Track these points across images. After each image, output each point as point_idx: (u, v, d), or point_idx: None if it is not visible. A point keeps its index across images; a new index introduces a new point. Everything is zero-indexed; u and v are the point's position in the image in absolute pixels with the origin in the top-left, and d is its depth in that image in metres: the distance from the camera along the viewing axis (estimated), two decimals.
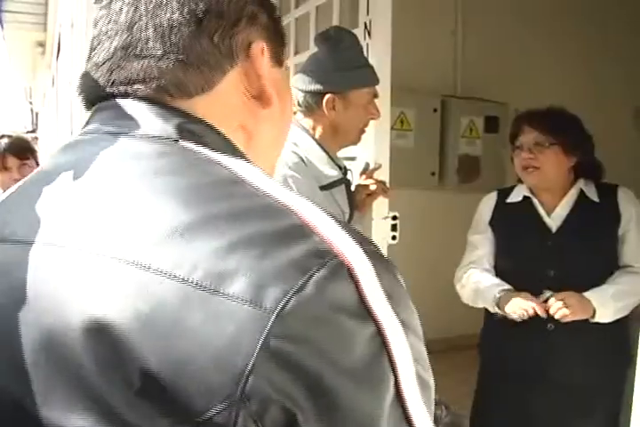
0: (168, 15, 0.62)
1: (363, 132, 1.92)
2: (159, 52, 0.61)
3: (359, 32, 2.13)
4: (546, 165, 1.97)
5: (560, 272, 1.95)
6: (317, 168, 1.79)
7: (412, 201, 4.25)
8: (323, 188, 1.78)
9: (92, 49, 0.66)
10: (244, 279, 0.45)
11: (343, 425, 0.46)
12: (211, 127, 0.62)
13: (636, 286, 1.94)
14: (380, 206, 2.19)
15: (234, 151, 0.63)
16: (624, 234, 1.98)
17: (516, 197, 2.11)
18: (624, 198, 2.00)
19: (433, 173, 4.77)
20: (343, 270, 0.47)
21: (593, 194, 2.02)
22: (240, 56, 0.65)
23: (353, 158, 2.28)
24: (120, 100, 0.62)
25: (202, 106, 0.63)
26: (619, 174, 2.35)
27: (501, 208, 2.14)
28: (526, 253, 2.03)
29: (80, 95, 0.67)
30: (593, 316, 1.88)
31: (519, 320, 1.89)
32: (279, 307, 0.44)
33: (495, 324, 2.04)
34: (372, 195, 2.09)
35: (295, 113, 1.96)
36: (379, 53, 2.13)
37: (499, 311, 1.96)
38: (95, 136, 0.61)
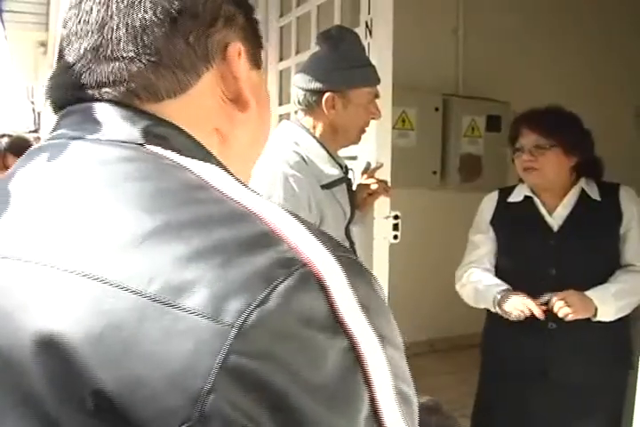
0: (140, 15, 0.59)
1: (363, 131, 1.91)
2: (131, 54, 0.59)
3: (360, 31, 2.13)
4: (546, 167, 1.97)
5: (562, 271, 1.95)
6: (318, 167, 1.79)
7: (414, 200, 4.24)
8: (324, 187, 1.78)
9: (61, 50, 0.63)
10: (204, 291, 0.42)
11: None
12: (180, 130, 0.60)
13: (638, 285, 1.93)
14: (382, 206, 2.19)
15: (205, 155, 0.61)
16: (625, 233, 1.98)
17: (517, 196, 2.11)
18: (626, 197, 2.00)
19: (435, 173, 4.76)
20: (312, 280, 0.44)
21: (594, 193, 2.02)
22: (216, 58, 0.63)
23: (354, 157, 2.28)
24: (88, 104, 0.60)
25: (173, 109, 0.61)
26: (620, 173, 2.34)
27: (503, 207, 2.14)
28: (528, 253, 2.03)
29: (48, 98, 0.64)
30: (594, 315, 1.88)
31: (516, 320, 1.89)
32: (240, 321, 0.41)
33: (496, 323, 2.04)
34: (373, 194, 2.09)
35: (296, 112, 1.96)
36: (380, 52, 2.13)
37: (499, 311, 1.96)
38: (61, 142, 0.59)
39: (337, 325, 0.44)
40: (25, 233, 0.51)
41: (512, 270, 2.06)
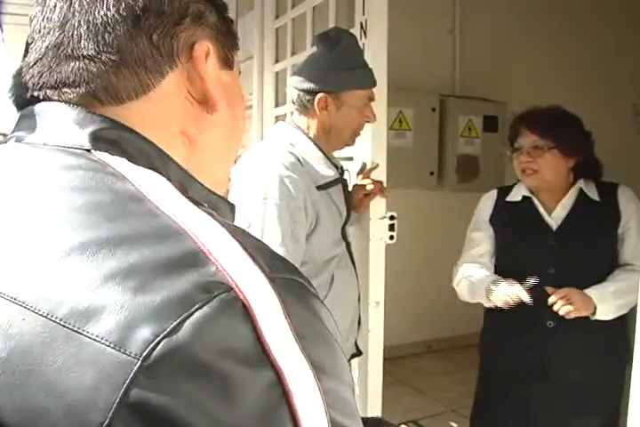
0: (103, 12, 0.57)
1: (357, 134, 1.91)
2: (91, 53, 0.57)
3: (355, 32, 2.13)
4: (545, 169, 1.97)
5: (561, 271, 1.96)
6: (314, 168, 1.79)
7: (411, 201, 4.25)
8: (319, 188, 1.78)
9: (26, 48, 0.62)
10: (112, 318, 0.39)
11: None
12: (135, 133, 0.58)
13: (636, 284, 1.93)
14: (378, 206, 2.19)
15: (163, 159, 0.59)
16: (624, 232, 1.98)
17: (515, 196, 2.11)
18: (624, 197, 2.00)
19: (432, 173, 4.76)
20: (236, 306, 0.41)
21: (593, 193, 2.02)
22: (182, 57, 0.60)
23: (350, 158, 2.28)
24: (43, 106, 0.58)
25: (134, 111, 0.59)
26: (618, 172, 2.34)
27: (501, 206, 2.14)
28: (527, 252, 2.03)
29: (10, 97, 0.62)
30: (594, 313, 1.88)
31: (506, 308, 1.88)
32: (147, 352, 0.38)
33: (495, 323, 2.04)
34: (369, 195, 2.09)
35: (292, 113, 1.96)
36: (375, 53, 2.13)
37: (491, 304, 1.95)
38: (11, 145, 0.57)
39: (262, 356, 0.41)
40: None
41: (511, 270, 2.06)
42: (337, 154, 1.98)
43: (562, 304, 1.83)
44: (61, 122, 0.56)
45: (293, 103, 1.87)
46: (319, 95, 1.80)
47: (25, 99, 0.60)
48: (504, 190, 2.17)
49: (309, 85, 1.81)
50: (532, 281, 1.88)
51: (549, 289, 1.87)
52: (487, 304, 1.98)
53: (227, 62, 0.66)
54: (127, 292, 0.40)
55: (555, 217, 2.02)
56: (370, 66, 1.90)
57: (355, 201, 2.04)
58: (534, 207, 2.06)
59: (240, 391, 0.39)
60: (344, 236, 1.89)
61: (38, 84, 0.59)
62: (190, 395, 0.38)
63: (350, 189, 2.01)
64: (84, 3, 0.58)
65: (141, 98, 0.59)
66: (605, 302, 1.88)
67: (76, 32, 0.57)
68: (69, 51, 0.57)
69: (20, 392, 0.39)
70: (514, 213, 2.10)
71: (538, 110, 2.04)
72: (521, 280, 1.97)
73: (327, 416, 0.43)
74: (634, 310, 1.97)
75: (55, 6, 0.59)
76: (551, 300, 1.84)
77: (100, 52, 0.57)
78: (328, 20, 2.56)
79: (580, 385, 1.96)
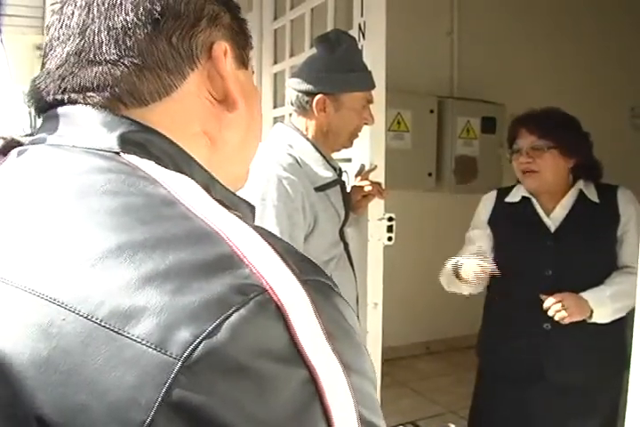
0: (122, 17, 0.58)
1: (355, 136, 1.91)
2: (113, 57, 0.58)
3: (354, 33, 2.13)
4: (544, 169, 1.97)
5: (558, 272, 1.96)
6: (312, 169, 1.79)
7: (409, 202, 4.25)
8: (318, 189, 1.78)
9: (45, 55, 0.62)
10: (152, 319, 0.40)
11: None
12: (161, 136, 0.59)
13: (635, 288, 1.93)
14: (376, 208, 2.19)
15: (187, 161, 0.60)
16: (623, 235, 1.98)
17: (514, 196, 2.11)
18: (623, 199, 2.00)
19: (430, 174, 4.76)
20: (270, 308, 0.42)
21: (592, 194, 2.02)
22: (201, 58, 0.62)
23: (349, 160, 2.28)
24: (68, 108, 0.59)
25: (158, 113, 0.60)
26: (617, 174, 2.35)
27: (500, 207, 2.14)
28: (525, 253, 2.03)
29: (29, 102, 0.63)
30: (590, 316, 1.88)
31: (475, 285, 1.84)
32: (187, 353, 0.39)
33: (492, 324, 2.04)
34: (367, 196, 2.09)
35: (291, 114, 1.96)
36: (373, 55, 2.13)
37: (461, 284, 1.89)
38: (38, 147, 0.58)
39: (296, 355, 0.42)
40: None
41: (509, 271, 2.06)
42: (335, 155, 1.98)
43: (556, 310, 1.84)
44: (89, 125, 0.57)
45: (292, 105, 1.87)
46: (318, 97, 1.80)
47: (48, 102, 0.61)
48: (503, 191, 2.17)
49: (308, 87, 1.81)
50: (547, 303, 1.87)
51: (543, 296, 1.87)
52: (457, 287, 1.91)
53: (242, 61, 0.67)
54: (166, 294, 0.41)
55: (553, 218, 2.02)
56: (368, 68, 1.91)
57: (353, 202, 2.04)
58: (533, 208, 2.06)
59: (275, 390, 0.41)
60: (342, 237, 1.89)
61: (61, 87, 0.59)
62: (228, 394, 0.39)
63: (348, 190, 2.01)
64: (102, 9, 0.59)
65: (164, 99, 0.60)
66: (602, 305, 1.88)
67: (96, 38, 0.59)
68: (91, 56, 0.59)
69: (62, 390, 0.40)
70: (512, 214, 2.11)
71: (536, 112, 2.04)
72: (521, 283, 1.98)
73: (357, 413, 0.45)
74: (632, 312, 1.98)
75: (73, 13, 0.60)
76: (545, 305, 1.85)
77: (122, 56, 0.58)
78: (326, 21, 2.57)
79: (578, 387, 1.96)
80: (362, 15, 2.20)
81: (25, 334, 0.42)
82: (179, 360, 0.39)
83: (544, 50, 5.00)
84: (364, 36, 2.17)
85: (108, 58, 0.58)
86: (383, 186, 2.14)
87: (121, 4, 0.59)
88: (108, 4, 0.59)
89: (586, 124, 2.07)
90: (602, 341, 1.96)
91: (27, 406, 0.40)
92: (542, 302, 1.86)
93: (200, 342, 0.39)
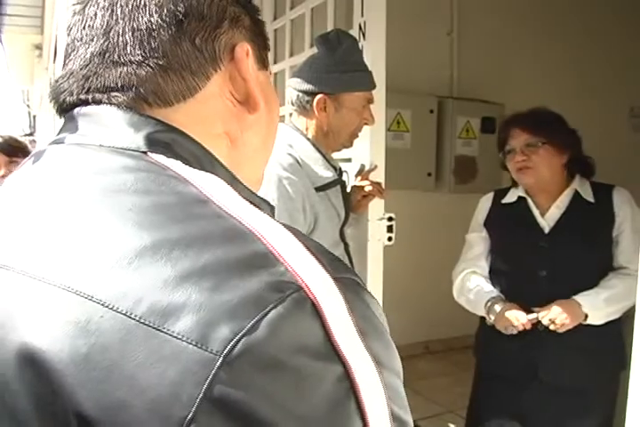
0: (146, 18, 0.59)
1: (355, 136, 1.91)
2: (138, 58, 0.58)
3: (354, 33, 2.13)
4: (540, 165, 1.99)
5: (552, 273, 1.96)
6: (312, 169, 1.79)
7: (409, 202, 4.25)
8: (318, 189, 1.78)
9: (67, 56, 0.63)
10: (192, 316, 0.41)
11: None
12: (186, 136, 0.59)
13: (629, 290, 1.94)
14: (376, 208, 2.19)
15: (211, 161, 0.60)
16: (618, 235, 1.98)
17: (511, 197, 2.12)
18: (619, 199, 2.00)
19: (429, 174, 4.77)
20: (306, 305, 0.43)
21: (588, 194, 2.02)
22: (224, 59, 0.62)
23: (349, 159, 2.28)
24: (94, 108, 0.59)
25: (182, 113, 0.60)
26: (615, 174, 2.35)
27: (497, 208, 2.15)
28: (519, 254, 2.04)
29: (52, 102, 0.63)
30: (585, 319, 1.89)
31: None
32: (227, 350, 0.40)
33: (489, 325, 2.05)
34: (367, 196, 2.10)
35: (291, 114, 1.96)
36: (373, 54, 2.14)
37: (491, 321, 1.99)
38: (62, 147, 0.58)
39: (332, 352, 0.43)
40: (16, 243, 0.50)
41: (504, 271, 2.08)
42: (335, 155, 1.98)
43: (548, 323, 1.87)
44: (115, 124, 0.57)
45: (292, 104, 1.87)
46: (318, 97, 1.80)
47: (72, 102, 0.61)
48: (501, 193, 2.18)
49: (309, 87, 1.81)
50: (530, 317, 1.90)
51: (536, 309, 1.91)
52: (490, 320, 2.01)
53: (262, 63, 0.68)
54: (204, 291, 0.42)
55: (548, 219, 2.03)
56: (368, 67, 1.91)
57: (353, 202, 2.05)
58: (528, 208, 2.07)
59: (312, 385, 0.42)
60: (342, 237, 1.89)
61: (85, 88, 0.60)
62: (267, 390, 0.40)
63: (349, 190, 2.02)
64: (127, 10, 0.59)
65: (188, 100, 0.60)
66: (597, 309, 1.89)
67: (121, 39, 0.59)
68: (116, 57, 0.59)
69: (102, 387, 0.40)
70: (508, 215, 2.12)
71: (524, 112, 2.08)
72: (515, 285, 1.99)
73: (388, 408, 0.46)
74: (630, 312, 1.98)
75: (96, 15, 0.61)
76: (536, 316, 1.90)
77: (147, 57, 0.59)
78: (326, 21, 2.57)
79: (573, 387, 1.96)
80: (362, 15, 2.20)
81: (63, 332, 0.42)
82: (219, 356, 0.40)
83: (544, 50, 5.00)
84: (364, 35, 2.17)
85: (132, 59, 0.59)
86: (383, 186, 2.14)
87: (145, 5, 0.59)
88: (132, 5, 0.60)
89: (585, 124, 2.08)
90: (598, 341, 1.96)
91: (66, 403, 0.41)
92: (538, 304, 1.89)
93: (240, 339, 0.40)
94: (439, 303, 3.81)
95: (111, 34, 0.59)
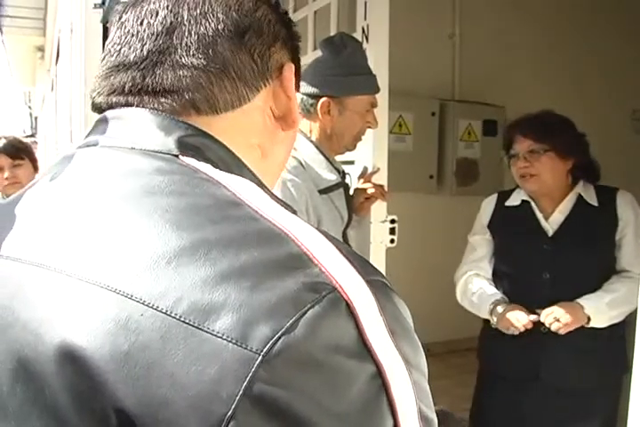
0: (213, 25, 0.61)
1: (358, 139, 1.92)
2: (202, 62, 0.60)
3: (357, 36, 2.14)
4: (543, 172, 1.98)
5: (555, 276, 1.96)
6: (316, 172, 1.80)
7: (411, 204, 4.26)
8: (321, 192, 1.79)
9: (117, 48, 0.62)
10: (231, 315, 0.42)
11: None
12: (215, 141, 0.60)
13: (632, 294, 1.94)
14: (379, 210, 2.20)
15: (240, 168, 0.61)
16: (621, 238, 1.98)
17: (514, 200, 2.12)
18: (623, 202, 2.00)
19: (431, 177, 4.77)
20: (341, 306, 0.44)
21: (592, 198, 2.02)
22: (273, 76, 0.65)
23: (351, 162, 2.29)
24: (124, 111, 0.60)
25: (227, 122, 0.62)
26: (617, 177, 2.36)
27: (500, 211, 2.15)
28: (523, 256, 2.04)
29: (96, 97, 0.63)
30: (588, 322, 1.89)
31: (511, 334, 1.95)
32: (267, 348, 0.41)
33: (492, 327, 2.05)
34: (370, 198, 2.10)
35: None
36: (376, 57, 2.14)
37: (494, 323, 2.00)
38: (94, 149, 0.59)
39: (365, 351, 0.44)
40: (52, 243, 0.50)
41: (507, 274, 2.08)
42: (338, 158, 1.99)
43: (550, 322, 1.87)
44: (146, 127, 0.58)
45: None
46: (322, 100, 1.81)
47: (108, 102, 0.62)
48: (504, 195, 2.18)
49: (313, 90, 1.82)
50: (532, 317, 1.91)
51: (539, 311, 1.91)
52: (494, 323, 2.01)
53: (297, 84, 0.71)
54: (243, 291, 0.43)
55: (551, 222, 2.03)
56: (375, 74, 1.91)
57: (356, 205, 2.05)
58: (532, 212, 2.07)
59: (347, 383, 0.43)
60: (345, 239, 1.90)
61: (137, 85, 0.60)
62: (305, 387, 0.41)
63: (351, 192, 2.02)
64: (194, 13, 0.61)
65: (236, 110, 0.62)
66: (600, 313, 1.89)
67: (185, 40, 0.60)
68: (177, 58, 0.60)
69: (142, 384, 0.41)
70: (512, 218, 2.12)
71: (530, 116, 2.06)
72: (518, 287, 2.00)
73: (417, 406, 0.48)
74: (633, 315, 1.99)
75: (157, 13, 0.61)
76: (541, 319, 1.89)
77: (209, 63, 0.60)
78: (329, 24, 2.58)
79: (576, 389, 1.96)
80: (365, 18, 2.21)
81: (103, 329, 0.43)
82: (259, 355, 0.40)
83: (545, 53, 5.00)
84: (367, 39, 2.18)
85: (195, 62, 0.60)
86: (386, 188, 2.15)
87: (213, 13, 0.61)
88: (200, 10, 0.61)
89: (587, 126, 2.08)
90: (600, 344, 1.96)
91: (106, 400, 0.41)
92: (541, 306, 1.89)
93: (279, 338, 0.41)
94: (440, 305, 3.82)
95: (175, 34, 0.60)
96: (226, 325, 0.41)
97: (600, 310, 1.89)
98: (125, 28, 0.63)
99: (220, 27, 0.61)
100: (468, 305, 2.13)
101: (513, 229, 2.09)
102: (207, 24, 0.61)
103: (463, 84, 4.95)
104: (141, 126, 0.58)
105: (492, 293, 2.04)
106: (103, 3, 3.30)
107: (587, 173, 2.06)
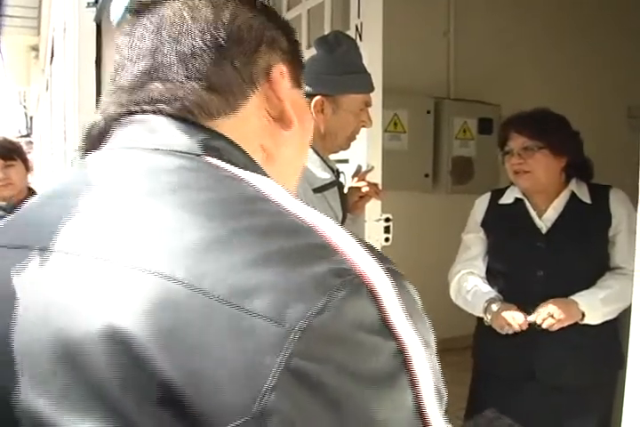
0: (190, 42, 0.64)
1: (352, 138, 1.91)
2: (182, 77, 0.63)
3: (350, 34, 2.14)
4: (537, 169, 1.99)
5: (549, 273, 1.97)
6: (310, 171, 1.79)
7: (406, 203, 4.25)
8: (315, 190, 1.78)
9: (116, 73, 0.68)
10: (268, 296, 0.46)
11: None
12: (234, 145, 0.63)
13: (626, 291, 1.94)
14: (373, 208, 2.20)
15: (257, 170, 0.63)
16: (615, 235, 1.99)
17: (508, 198, 2.13)
18: (615, 200, 2.01)
19: (427, 175, 4.77)
20: (364, 290, 0.48)
21: (585, 195, 2.03)
22: (261, 80, 0.67)
23: (346, 161, 2.29)
24: (143, 116, 0.63)
25: (225, 127, 0.64)
26: (613, 174, 2.36)
27: (494, 209, 2.16)
28: (516, 254, 2.05)
29: (101, 114, 0.67)
30: (582, 319, 1.90)
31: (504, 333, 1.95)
32: (301, 325, 0.45)
33: (487, 325, 2.05)
34: (364, 197, 2.10)
35: None
36: (370, 55, 2.14)
37: (488, 321, 2.00)
38: (119, 151, 0.62)
39: (387, 330, 0.48)
40: (93, 233, 0.53)
41: (501, 272, 2.08)
42: (332, 156, 1.98)
43: (543, 318, 1.87)
44: (168, 131, 0.61)
45: None
46: (316, 98, 1.80)
47: (119, 113, 0.65)
48: (498, 193, 2.19)
49: (306, 88, 1.81)
50: (530, 318, 1.90)
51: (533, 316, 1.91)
52: (488, 321, 2.01)
53: (297, 82, 0.72)
54: (277, 275, 0.47)
55: (545, 219, 2.04)
56: (370, 73, 1.91)
57: (350, 203, 2.05)
58: (525, 210, 2.08)
59: (372, 358, 0.47)
60: None
61: (133, 100, 0.64)
62: (335, 361, 0.45)
63: (346, 191, 2.02)
64: (172, 34, 0.65)
65: (230, 116, 0.65)
66: (594, 309, 1.90)
67: (166, 59, 0.64)
68: (161, 75, 0.64)
69: (185, 359, 0.44)
70: (505, 216, 2.12)
71: (525, 113, 2.06)
72: (512, 285, 2.00)
73: (434, 382, 0.52)
74: (626, 312, 1.99)
75: (143, 36, 0.66)
76: (535, 317, 1.89)
77: (190, 77, 0.63)
78: (323, 22, 2.57)
79: (571, 386, 1.96)
80: (359, 16, 2.21)
81: (145, 310, 0.46)
82: (294, 332, 0.44)
83: (541, 51, 5.01)
84: (360, 36, 2.18)
85: (176, 77, 0.63)
86: (380, 187, 2.15)
87: (188, 31, 0.64)
88: (178, 30, 0.65)
89: (583, 124, 2.08)
90: (595, 340, 1.97)
91: (150, 375, 0.44)
92: (535, 304, 1.89)
93: (311, 317, 0.45)
94: (436, 304, 3.81)
95: (157, 54, 0.64)
96: (262, 305, 0.45)
97: (594, 306, 1.89)
98: (121, 52, 0.68)
99: (196, 43, 0.64)
100: (462, 303, 2.13)
101: (507, 227, 2.10)
102: (185, 42, 0.64)
103: (458, 82, 4.95)
104: (162, 130, 0.62)
105: (487, 291, 2.04)
106: (96, 2, 3.29)
107: (580, 171, 2.07)
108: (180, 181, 0.56)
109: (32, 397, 0.48)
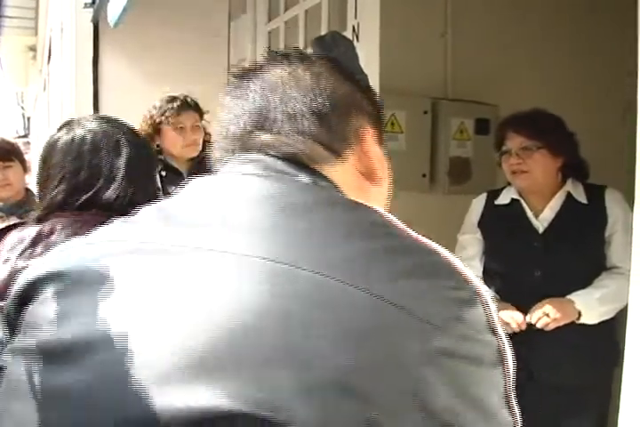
0: (293, 104, 0.73)
1: None
2: (288, 131, 0.72)
3: (347, 35, 2.15)
4: (534, 169, 1.99)
5: (546, 273, 1.97)
6: None
7: (404, 203, 4.24)
8: None
9: (225, 129, 0.76)
10: (418, 300, 0.57)
11: (484, 416, 0.58)
12: (337, 187, 0.71)
13: (622, 290, 1.95)
14: None
15: None
16: (611, 235, 1.99)
17: (504, 198, 2.13)
18: (611, 200, 2.01)
19: (424, 175, 4.75)
20: (479, 300, 0.60)
21: (581, 196, 2.04)
22: (354, 139, 0.75)
23: None
24: (255, 155, 0.71)
25: (327, 174, 0.72)
26: (611, 173, 2.36)
27: (490, 210, 2.16)
28: (513, 254, 2.05)
29: (214, 161, 0.76)
30: (578, 318, 1.90)
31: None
32: (444, 324, 0.56)
33: None
34: None
35: None
36: (367, 56, 2.15)
37: None
38: (240, 176, 0.69)
39: (492, 332, 0.60)
40: (263, 240, 0.61)
41: (498, 272, 2.09)
42: None
43: (538, 317, 1.87)
44: (281, 167, 0.70)
45: None
46: None
47: (229, 157, 0.74)
48: (494, 194, 2.19)
49: None
50: (529, 318, 1.91)
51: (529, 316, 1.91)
52: None
53: (379, 139, 0.80)
54: (420, 284, 0.58)
55: (541, 220, 2.04)
56: (367, 74, 1.91)
57: None
58: (522, 210, 2.08)
59: (487, 351, 0.60)
60: None
61: (243, 147, 0.73)
62: (470, 353, 0.58)
63: None
64: (279, 97, 0.73)
65: (330, 169, 0.73)
66: (591, 309, 1.90)
67: (273, 116, 0.73)
68: (268, 126, 0.73)
69: (358, 350, 0.54)
70: (502, 216, 2.13)
71: (523, 113, 2.07)
72: (509, 285, 2.00)
73: (511, 377, 0.62)
74: (623, 311, 1.99)
75: (249, 96, 0.75)
76: (530, 318, 1.89)
77: (295, 132, 0.72)
78: (320, 23, 2.58)
79: (568, 385, 1.97)
80: (356, 17, 2.21)
81: (320, 307, 0.56)
82: (440, 330, 0.56)
83: (538, 51, 5.00)
84: (357, 37, 2.19)
85: (281, 130, 0.72)
86: None
87: (292, 94, 0.73)
88: (283, 93, 0.73)
89: (580, 124, 2.08)
90: (591, 339, 1.97)
91: (307, 351, 0.54)
92: (531, 303, 1.90)
93: (450, 318, 0.57)
94: None
95: (264, 112, 0.73)
96: (423, 310, 0.56)
97: (590, 305, 1.90)
98: (231, 112, 0.76)
99: (299, 106, 0.72)
100: None
101: (503, 228, 2.10)
102: (290, 104, 0.72)
103: (455, 83, 4.93)
104: (274, 167, 0.70)
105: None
106: (93, 2, 3.29)
107: (576, 171, 2.07)
108: (318, 201, 0.66)
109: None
